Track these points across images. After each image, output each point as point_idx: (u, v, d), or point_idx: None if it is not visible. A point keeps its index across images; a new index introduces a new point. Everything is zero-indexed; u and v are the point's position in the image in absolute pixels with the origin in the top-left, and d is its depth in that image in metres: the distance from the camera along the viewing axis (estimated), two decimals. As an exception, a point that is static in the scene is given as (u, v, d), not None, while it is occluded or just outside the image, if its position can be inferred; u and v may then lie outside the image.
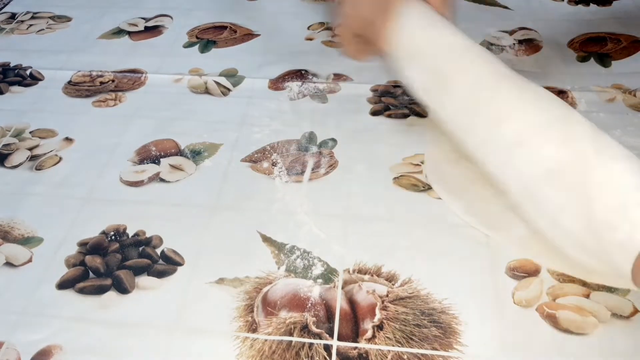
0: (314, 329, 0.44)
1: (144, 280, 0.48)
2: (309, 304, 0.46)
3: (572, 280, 0.47)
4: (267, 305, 0.46)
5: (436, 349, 0.43)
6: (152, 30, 0.80)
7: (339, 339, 0.44)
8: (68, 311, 0.46)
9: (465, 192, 0.54)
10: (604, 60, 0.71)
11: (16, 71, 0.73)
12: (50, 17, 0.84)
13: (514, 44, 0.75)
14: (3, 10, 0.86)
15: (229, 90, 0.69)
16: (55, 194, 0.56)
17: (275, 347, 0.43)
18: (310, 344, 0.43)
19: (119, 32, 0.80)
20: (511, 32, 0.77)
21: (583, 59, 0.72)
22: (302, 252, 0.50)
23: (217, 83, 0.69)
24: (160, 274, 0.49)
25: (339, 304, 0.46)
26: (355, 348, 0.43)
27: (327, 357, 0.42)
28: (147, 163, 0.59)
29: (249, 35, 0.79)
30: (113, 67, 0.72)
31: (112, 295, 0.47)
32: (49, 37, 0.78)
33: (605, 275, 0.44)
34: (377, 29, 0.50)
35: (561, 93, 0.66)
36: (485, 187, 0.49)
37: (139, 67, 0.73)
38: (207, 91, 0.69)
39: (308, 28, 0.80)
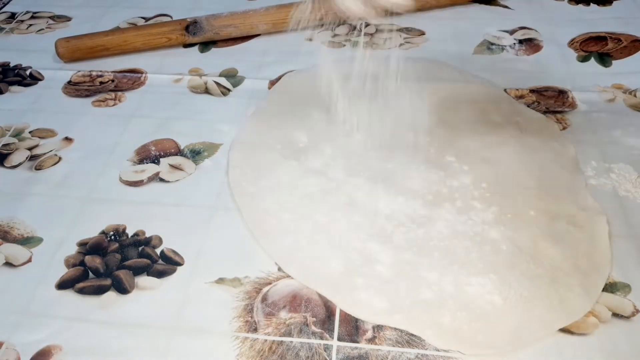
0: (314, 328, 0.44)
1: (143, 280, 0.48)
2: (309, 304, 0.46)
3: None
4: (267, 305, 0.46)
5: (436, 349, 0.43)
6: (152, 30, 0.80)
7: (339, 339, 0.44)
8: (68, 311, 0.46)
9: None
10: (605, 59, 0.71)
11: (16, 71, 0.73)
12: (50, 17, 0.83)
13: (514, 43, 0.74)
14: (3, 10, 0.86)
15: (229, 90, 0.69)
16: (54, 194, 0.56)
17: (275, 348, 0.43)
18: (310, 344, 0.43)
19: (118, 32, 0.80)
20: (511, 32, 0.77)
21: (583, 59, 0.72)
22: (302, 252, 0.50)
23: (217, 83, 0.69)
24: (160, 274, 0.49)
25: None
26: (355, 348, 0.43)
27: (327, 357, 0.42)
28: (147, 163, 0.59)
29: (249, 35, 0.78)
30: (113, 67, 0.72)
31: (111, 295, 0.47)
32: (49, 37, 0.78)
33: None
34: None
35: (561, 93, 0.66)
36: None
37: (139, 67, 0.73)
38: (207, 91, 0.69)
39: (308, 28, 0.80)
